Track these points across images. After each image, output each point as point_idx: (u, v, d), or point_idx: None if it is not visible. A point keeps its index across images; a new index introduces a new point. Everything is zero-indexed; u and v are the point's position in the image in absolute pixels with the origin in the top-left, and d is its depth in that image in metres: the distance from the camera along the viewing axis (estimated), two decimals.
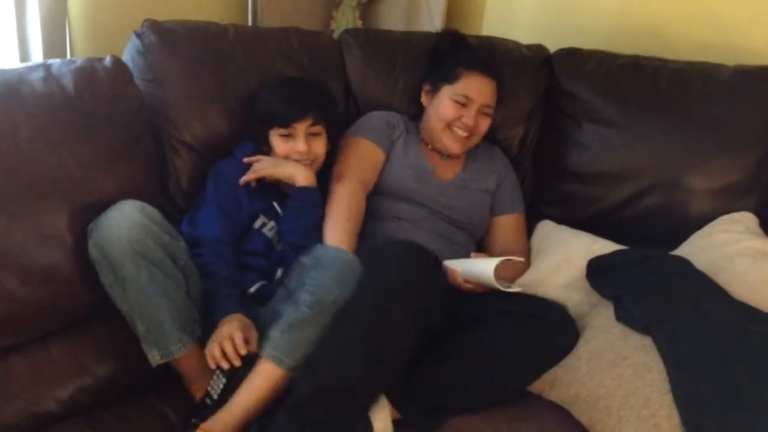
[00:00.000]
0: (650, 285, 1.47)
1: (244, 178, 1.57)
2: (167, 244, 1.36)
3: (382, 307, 1.33)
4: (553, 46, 1.99)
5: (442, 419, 1.41)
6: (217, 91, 1.66)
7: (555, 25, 2.22)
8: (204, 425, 1.29)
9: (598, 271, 1.59)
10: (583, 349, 1.46)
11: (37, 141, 1.34)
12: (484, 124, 1.76)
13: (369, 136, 1.74)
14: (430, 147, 1.82)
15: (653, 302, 1.43)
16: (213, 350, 1.32)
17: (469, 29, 2.20)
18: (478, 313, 1.54)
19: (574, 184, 1.88)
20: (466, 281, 1.57)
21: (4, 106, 1.34)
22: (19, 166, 1.32)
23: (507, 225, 1.84)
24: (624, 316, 1.46)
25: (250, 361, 1.33)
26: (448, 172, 1.81)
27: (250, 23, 2.22)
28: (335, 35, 2.08)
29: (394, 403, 1.40)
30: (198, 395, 1.41)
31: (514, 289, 1.55)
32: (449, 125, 1.74)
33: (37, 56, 1.71)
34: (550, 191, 1.94)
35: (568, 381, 1.44)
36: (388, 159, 1.75)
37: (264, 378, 1.33)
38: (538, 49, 1.99)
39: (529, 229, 1.87)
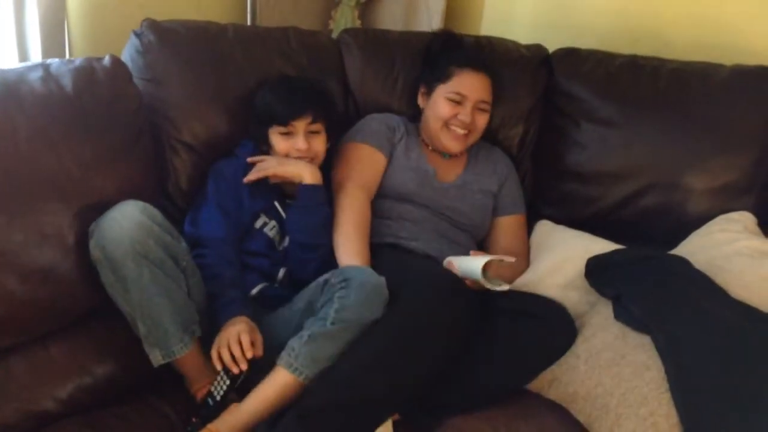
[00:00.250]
0: (649, 284, 1.48)
1: (248, 177, 1.56)
2: (169, 244, 1.36)
3: (412, 338, 1.34)
4: (551, 46, 1.99)
5: (442, 419, 1.41)
6: (217, 91, 1.66)
7: (554, 25, 2.22)
8: (211, 426, 1.30)
9: (597, 270, 1.59)
10: (581, 348, 1.46)
11: (37, 141, 1.34)
12: (482, 120, 1.76)
13: (370, 141, 1.74)
14: (430, 148, 1.82)
15: (652, 301, 1.43)
16: (222, 352, 1.32)
17: (467, 29, 2.20)
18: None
19: (572, 183, 1.89)
20: (463, 278, 1.57)
21: (3, 106, 1.33)
22: (18, 166, 1.32)
23: (508, 226, 1.84)
24: (623, 315, 1.46)
25: (253, 364, 1.33)
26: (450, 173, 1.81)
27: (249, 23, 2.21)
28: (334, 35, 2.08)
29: None
30: (199, 395, 1.41)
31: (503, 287, 1.52)
32: (446, 124, 1.74)
33: (36, 56, 1.70)
34: (549, 191, 1.94)
35: (566, 380, 1.44)
36: (390, 162, 1.75)
37: (278, 386, 1.33)
38: (536, 49, 1.99)
39: (528, 228, 1.87)
